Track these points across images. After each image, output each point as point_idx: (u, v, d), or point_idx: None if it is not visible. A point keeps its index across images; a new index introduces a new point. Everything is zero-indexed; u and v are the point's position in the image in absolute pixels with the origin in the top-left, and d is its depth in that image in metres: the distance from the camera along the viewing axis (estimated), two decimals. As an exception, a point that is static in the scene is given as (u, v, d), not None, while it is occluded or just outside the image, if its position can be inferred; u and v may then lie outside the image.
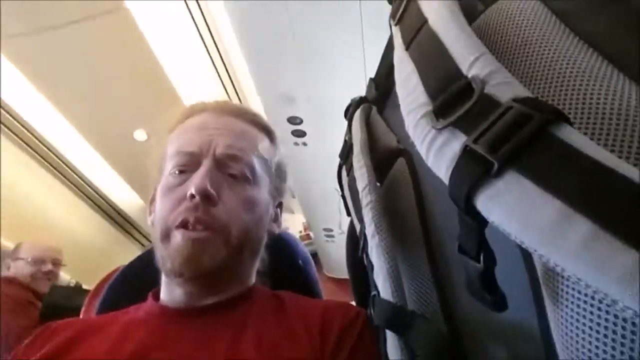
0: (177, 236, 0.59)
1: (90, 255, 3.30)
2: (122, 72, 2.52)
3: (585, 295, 0.21)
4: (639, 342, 0.19)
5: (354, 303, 0.74)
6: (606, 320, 0.20)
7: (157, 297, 0.66)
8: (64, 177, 3.21)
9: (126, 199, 3.67)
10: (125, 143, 2.95)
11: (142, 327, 0.60)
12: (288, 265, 0.83)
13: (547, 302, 0.25)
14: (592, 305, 0.21)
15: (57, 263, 2.20)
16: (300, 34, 1.69)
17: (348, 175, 0.62)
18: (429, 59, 0.34)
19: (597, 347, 0.21)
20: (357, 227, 0.57)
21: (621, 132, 0.23)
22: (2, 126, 2.62)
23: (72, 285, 2.66)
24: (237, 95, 2.96)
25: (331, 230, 3.27)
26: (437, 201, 0.47)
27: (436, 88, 0.31)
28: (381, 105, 0.65)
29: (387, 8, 0.45)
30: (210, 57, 2.62)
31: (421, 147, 0.30)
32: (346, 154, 0.63)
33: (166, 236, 0.60)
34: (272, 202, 0.71)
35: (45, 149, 2.93)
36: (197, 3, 2.30)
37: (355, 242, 0.58)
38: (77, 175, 3.26)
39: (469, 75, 0.28)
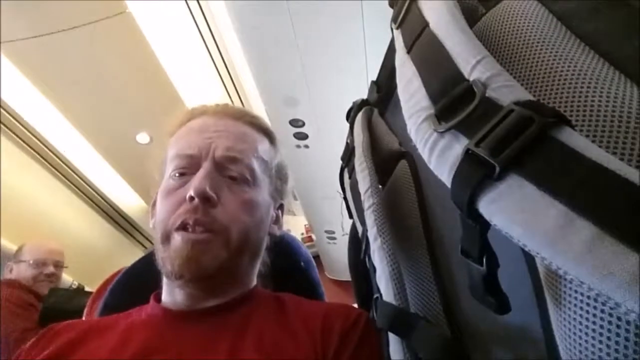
0: (177, 238, 0.59)
1: (93, 258, 3.31)
2: (124, 75, 2.53)
3: (588, 298, 0.21)
4: (641, 344, 0.19)
5: (356, 305, 0.74)
6: (609, 323, 0.20)
7: (159, 299, 0.66)
8: (66, 179, 3.21)
9: (128, 201, 3.67)
10: (128, 145, 2.96)
11: (144, 329, 0.60)
12: (290, 267, 0.83)
13: (549, 304, 0.25)
14: (594, 308, 0.21)
15: (59, 265, 2.19)
16: (303, 37, 1.69)
17: (350, 177, 0.62)
18: (430, 62, 0.34)
19: (600, 349, 0.21)
20: (359, 229, 0.57)
21: (622, 134, 0.23)
22: (5, 128, 2.63)
23: (74, 287, 2.66)
24: (240, 98, 2.96)
25: (333, 232, 3.27)
26: (439, 204, 0.47)
27: (438, 91, 0.31)
28: (383, 108, 0.65)
29: (390, 11, 0.45)
30: (213, 60, 2.62)
31: (423, 150, 0.30)
32: (348, 156, 0.64)
33: (166, 238, 0.61)
34: (272, 204, 0.71)
35: (47, 150, 2.94)
36: (200, 7, 2.31)
37: (358, 245, 0.58)
38: (79, 177, 3.26)
39: (471, 79, 0.28)
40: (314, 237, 3.67)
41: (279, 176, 0.74)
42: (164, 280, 0.65)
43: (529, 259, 0.29)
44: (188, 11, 2.28)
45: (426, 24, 0.35)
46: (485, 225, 0.25)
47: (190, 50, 2.50)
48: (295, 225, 4.08)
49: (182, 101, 2.63)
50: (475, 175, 0.24)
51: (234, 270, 0.64)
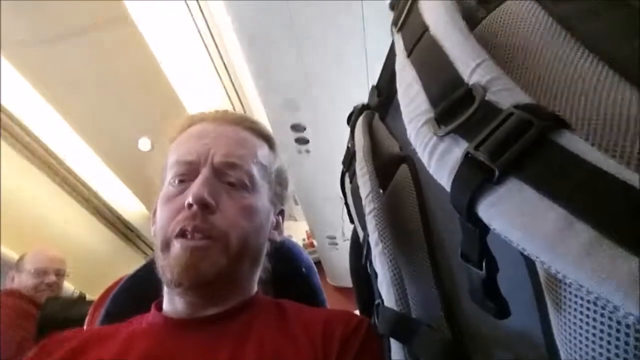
0: (176, 245, 0.59)
1: (94, 265, 3.30)
2: (126, 81, 2.53)
3: (588, 301, 0.21)
4: (642, 348, 0.19)
5: (357, 312, 0.74)
6: (609, 326, 0.20)
7: (160, 307, 0.66)
8: (68, 185, 3.21)
9: (130, 208, 3.67)
10: (129, 152, 2.96)
11: (145, 338, 0.60)
12: (291, 273, 0.82)
13: (550, 308, 0.25)
14: (594, 312, 0.21)
15: (60, 273, 2.18)
16: (304, 40, 1.70)
17: (351, 182, 0.62)
18: (430, 66, 0.34)
19: (600, 353, 0.21)
20: (361, 234, 0.57)
21: (622, 137, 0.23)
22: (6, 133, 2.63)
23: (75, 295, 2.65)
24: (241, 104, 2.96)
25: (334, 237, 3.26)
26: (440, 207, 0.47)
27: (438, 95, 0.31)
28: (384, 112, 0.65)
29: (391, 14, 0.46)
30: (215, 66, 2.63)
31: (423, 154, 0.30)
32: (349, 161, 0.64)
33: (166, 246, 0.61)
34: (272, 209, 0.71)
35: (48, 156, 2.94)
36: (202, 13, 2.32)
37: (359, 250, 0.58)
38: (80, 184, 3.26)
39: (470, 82, 0.28)
40: (315, 242, 3.66)
41: (279, 181, 0.74)
42: (165, 289, 0.65)
43: (529, 263, 0.29)
44: (190, 18, 2.29)
45: (426, 28, 0.35)
46: (484, 229, 0.25)
47: (193, 57, 2.51)
48: (296, 231, 4.07)
49: (184, 108, 2.63)
50: (475, 179, 0.24)
51: (234, 276, 0.64)
